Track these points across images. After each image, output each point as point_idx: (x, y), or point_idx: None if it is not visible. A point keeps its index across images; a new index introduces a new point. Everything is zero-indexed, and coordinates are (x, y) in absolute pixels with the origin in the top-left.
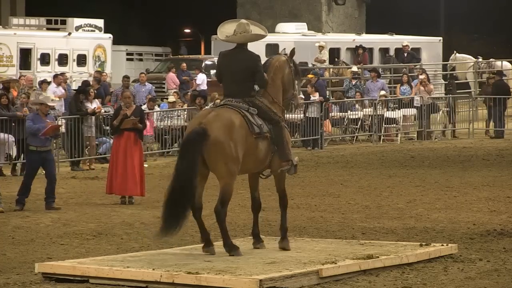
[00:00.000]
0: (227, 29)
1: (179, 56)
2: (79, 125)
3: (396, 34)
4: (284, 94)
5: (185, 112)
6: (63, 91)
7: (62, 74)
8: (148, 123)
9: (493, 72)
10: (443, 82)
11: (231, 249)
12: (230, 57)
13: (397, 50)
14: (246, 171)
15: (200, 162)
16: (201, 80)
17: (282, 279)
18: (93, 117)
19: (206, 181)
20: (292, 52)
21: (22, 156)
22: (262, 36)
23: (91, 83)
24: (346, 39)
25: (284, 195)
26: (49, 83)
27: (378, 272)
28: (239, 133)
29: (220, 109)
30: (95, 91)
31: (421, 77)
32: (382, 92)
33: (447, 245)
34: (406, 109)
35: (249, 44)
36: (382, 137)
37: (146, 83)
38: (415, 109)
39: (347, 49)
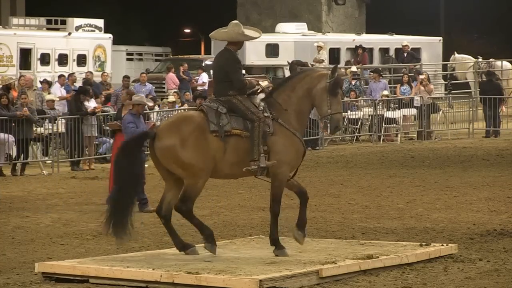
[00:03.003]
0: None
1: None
2: (79, 125)
3: (396, 34)
4: (317, 110)
5: None
6: (64, 91)
7: (71, 74)
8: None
9: (484, 72)
10: (443, 82)
11: (210, 239)
12: (216, 58)
13: (397, 50)
14: (231, 175)
15: (163, 166)
16: (206, 79)
17: (282, 279)
18: (94, 117)
19: (179, 186)
20: (334, 68)
21: (22, 156)
22: (248, 37)
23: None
24: (346, 39)
25: (274, 201)
26: (49, 83)
27: (378, 272)
28: (194, 133)
29: (184, 111)
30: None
31: (421, 77)
32: (385, 92)
33: (447, 245)
34: (406, 109)
35: (249, 44)
36: (382, 137)
37: (146, 83)
38: (415, 109)
39: (347, 49)
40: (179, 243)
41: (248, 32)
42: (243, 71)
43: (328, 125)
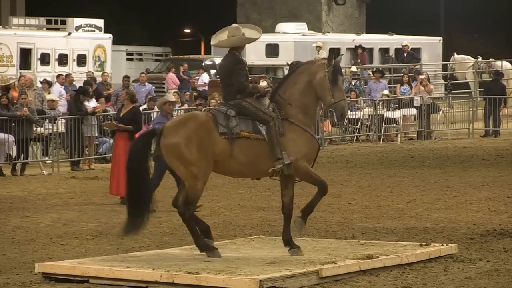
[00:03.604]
0: (222, 36)
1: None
2: (79, 125)
3: (396, 34)
4: (321, 100)
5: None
6: (64, 92)
7: (68, 75)
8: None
9: (492, 72)
10: (443, 82)
11: (206, 249)
12: (221, 62)
13: (397, 50)
14: (237, 175)
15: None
16: (207, 79)
17: (282, 279)
18: (94, 117)
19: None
20: (329, 57)
21: (22, 156)
22: (251, 40)
23: (92, 82)
24: (346, 39)
25: (287, 204)
26: (49, 83)
27: (378, 272)
28: (200, 134)
29: (191, 112)
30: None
31: (421, 77)
32: (385, 92)
33: (447, 245)
34: (406, 109)
35: (249, 44)
36: (382, 137)
37: (146, 83)
38: (415, 109)
39: (347, 49)
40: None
41: (249, 33)
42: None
43: (334, 114)
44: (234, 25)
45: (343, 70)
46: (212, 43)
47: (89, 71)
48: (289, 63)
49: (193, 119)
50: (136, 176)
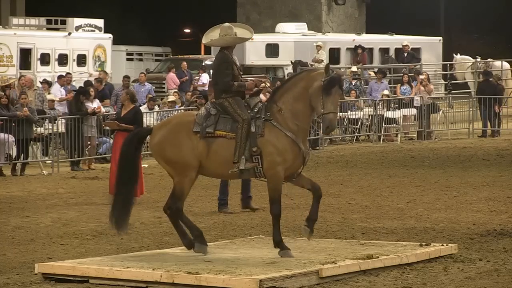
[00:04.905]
0: (213, 35)
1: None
2: (79, 125)
3: (396, 34)
4: (314, 110)
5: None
6: (64, 92)
7: (67, 74)
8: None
9: (481, 72)
10: (443, 82)
11: (191, 243)
12: (213, 60)
13: (397, 50)
14: (215, 175)
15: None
16: (207, 79)
17: (282, 279)
18: (94, 117)
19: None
20: (327, 67)
21: (22, 156)
22: (243, 39)
23: (93, 83)
24: (346, 39)
25: (272, 202)
26: (48, 83)
27: (378, 272)
28: (180, 133)
29: (181, 112)
30: (98, 91)
31: (421, 77)
32: (386, 92)
33: (447, 245)
34: (406, 109)
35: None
36: (382, 137)
37: (146, 83)
38: (415, 109)
39: (347, 49)
40: (187, 242)
41: (240, 32)
42: (240, 72)
43: (321, 124)
44: (226, 24)
45: (343, 70)
46: (203, 41)
47: (101, 71)
48: (292, 61)
49: (177, 118)
50: (126, 161)
